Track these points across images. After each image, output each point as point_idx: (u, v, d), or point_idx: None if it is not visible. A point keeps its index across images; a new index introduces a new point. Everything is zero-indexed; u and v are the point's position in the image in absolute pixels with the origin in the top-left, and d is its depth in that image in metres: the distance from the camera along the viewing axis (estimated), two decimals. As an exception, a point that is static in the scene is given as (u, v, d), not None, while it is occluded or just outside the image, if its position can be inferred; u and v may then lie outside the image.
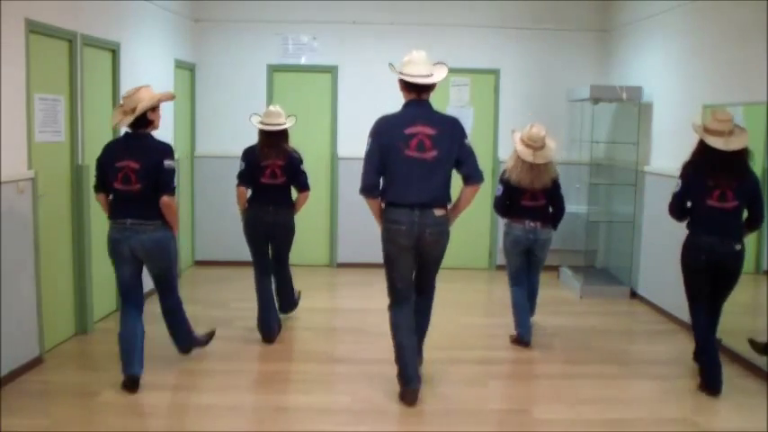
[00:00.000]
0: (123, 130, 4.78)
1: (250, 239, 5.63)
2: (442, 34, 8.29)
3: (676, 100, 6.66)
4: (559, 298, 6.02)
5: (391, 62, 4.56)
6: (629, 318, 6.74)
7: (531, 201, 5.65)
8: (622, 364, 5.39)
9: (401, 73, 4.38)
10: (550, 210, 5.73)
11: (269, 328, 5.61)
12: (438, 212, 4.40)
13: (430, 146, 4.33)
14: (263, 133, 5.57)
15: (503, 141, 8.44)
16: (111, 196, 4.63)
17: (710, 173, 4.66)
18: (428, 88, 4.43)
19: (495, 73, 8.46)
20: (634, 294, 7.37)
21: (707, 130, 4.68)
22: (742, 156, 4.66)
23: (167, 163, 4.51)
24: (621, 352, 5.73)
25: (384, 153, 4.34)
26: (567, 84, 8.24)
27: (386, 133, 4.37)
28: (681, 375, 5.12)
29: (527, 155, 5.55)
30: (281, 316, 5.96)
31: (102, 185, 4.65)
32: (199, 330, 5.31)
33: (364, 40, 8.27)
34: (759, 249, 5.49)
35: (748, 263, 5.64)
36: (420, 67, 4.37)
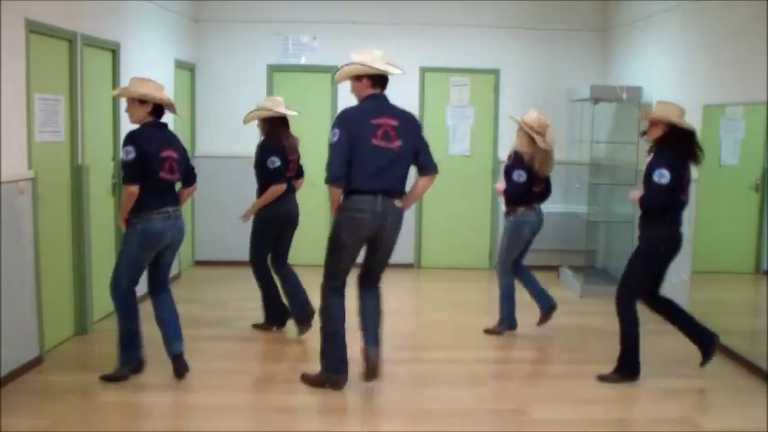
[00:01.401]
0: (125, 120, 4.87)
1: (276, 231, 5.66)
2: (442, 34, 8.29)
3: (676, 100, 6.60)
4: (559, 298, 6.02)
5: (353, 60, 4.53)
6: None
7: (538, 187, 5.74)
8: (622, 364, 5.39)
9: (378, 69, 4.46)
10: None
11: (283, 312, 5.79)
12: (398, 202, 4.51)
13: (395, 136, 4.44)
14: (279, 120, 5.61)
15: (503, 141, 8.44)
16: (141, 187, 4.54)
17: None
18: (387, 83, 4.58)
19: (495, 73, 8.46)
20: (634, 294, 7.36)
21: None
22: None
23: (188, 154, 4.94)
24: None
25: (353, 142, 4.41)
26: (567, 84, 8.24)
27: (354, 123, 4.45)
28: (681, 375, 5.12)
29: (541, 142, 5.61)
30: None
31: (141, 176, 4.52)
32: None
33: (364, 40, 8.21)
34: (759, 249, 5.49)
35: (748, 263, 5.65)
36: (383, 63, 4.50)
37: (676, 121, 4.69)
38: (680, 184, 4.70)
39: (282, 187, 5.58)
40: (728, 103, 5.70)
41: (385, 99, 4.57)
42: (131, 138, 4.55)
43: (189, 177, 4.98)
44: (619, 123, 7.83)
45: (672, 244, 4.85)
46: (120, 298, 4.69)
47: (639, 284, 4.93)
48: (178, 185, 4.85)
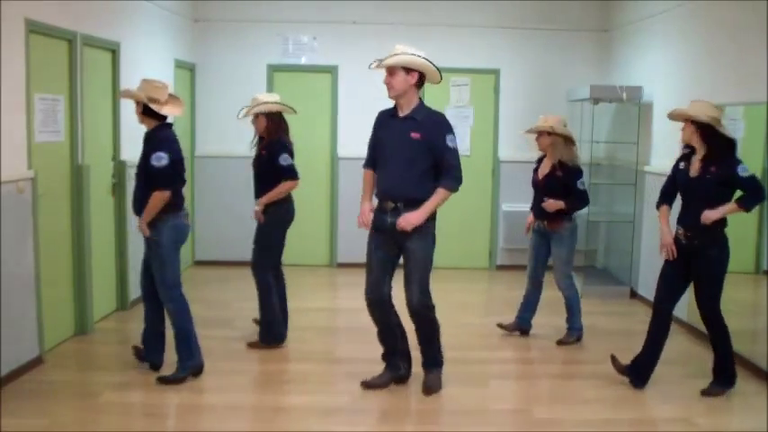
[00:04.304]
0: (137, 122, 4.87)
1: (283, 234, 5.54)
2: (443, 34, 8.29)
3: (676, 100, 6.65)
4: (559, 298, 6.01)
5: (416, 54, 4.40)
6: (629, 318, 6.74)
7: None
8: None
9: (437, 69, 4.39)
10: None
11: (283, 333, 5.59)
12: None
13: None
14: (277, 117, 5.47)
15: (503, 141, 8.45)
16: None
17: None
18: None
19: (495, 73, 8.46)
20: (634, 294, 7.37)
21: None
22: None
23: None
24: (621, 352, 5.72)
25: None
26: (567, 84, 8.23)
27: None
28: (681, 375, 5.12)
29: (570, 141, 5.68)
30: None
31: (175, 180, 4.68)
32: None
33: (364, 40, 8.26)
34: (759, 249, 5.49)
35: (748, 263, 5.65)
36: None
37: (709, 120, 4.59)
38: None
39: (296, 184, 5.44)
40: (728, 103, 5.69)
41: None
42: (161, 143, 4.58)
43: None
44: (619, 123, 7.83)
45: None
46: (173, 298, 4.72)
47: (721, 289, 4.73)
48: None
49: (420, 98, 4.49)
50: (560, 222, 5.62)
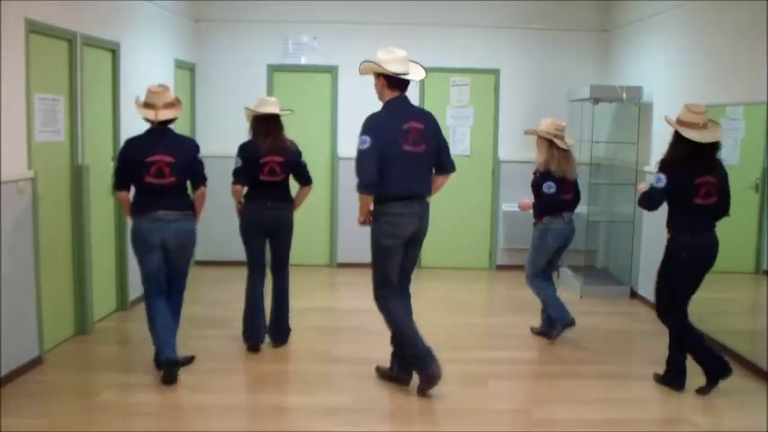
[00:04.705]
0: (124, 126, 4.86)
1: (247, 237, 5.42)
2: (442, 34, 8.29)
3: (676, 100, 6.63)
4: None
5: (367, 59, 4.59)
6: (629, 318, 6.74)
7: (566, 194, 5.70)
8: (622, 364, 5.39)
9: (387, 70, 4.47)
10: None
11: (254, 334, 5.40)
12: (427, 201, 4.66)
13: (422, 140, 4.52)
14: (259, 120, 5.34)
15: (503, 141, 8.45)
16: (132, 191, 4.82)
17: (696, 170, 4.58)
18: (407, 85, 4.61)
19: (495, 73, 8.46)
20: (634, 294, 7.37)
21: (682, 123, 4.62)
22: (716, 149, 4.64)
23: (200, 156, 5.01)
24: (621, 352, 5.73)
25: (384, 149, 4.41)
26: (567, 84, 8.23)
27: (383, 129, 4.45)
28: (681, 375, 5.12)
29: (560, 142, 5.62)
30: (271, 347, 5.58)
31: (127, 182, 4.80)
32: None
33: (364, 40, 8.25)
34: (759, 249, 5.49)
35: (748, 263, 5.65)
36: (405, 65, 4.50)
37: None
38: (682, 190, 4.64)
39: (238, 189, 5.39)
40: (728, 103, 5.70)
41: (408, 101, 4.61)
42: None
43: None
44: (619, 123, 7.83)
45: (691, 252, 4.68)
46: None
47: (679, 295, 4.77)
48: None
49: (389, 99, 4.56)
50: (536, 219, 5.77)
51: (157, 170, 4.68)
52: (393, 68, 4.45)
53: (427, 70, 4.64)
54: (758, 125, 5.33)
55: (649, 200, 4.72)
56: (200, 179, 5.01)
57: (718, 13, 5.97)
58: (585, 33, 8.45)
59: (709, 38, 6.12)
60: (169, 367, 4.66)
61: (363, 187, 4.44)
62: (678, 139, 4.62)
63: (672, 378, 4.80)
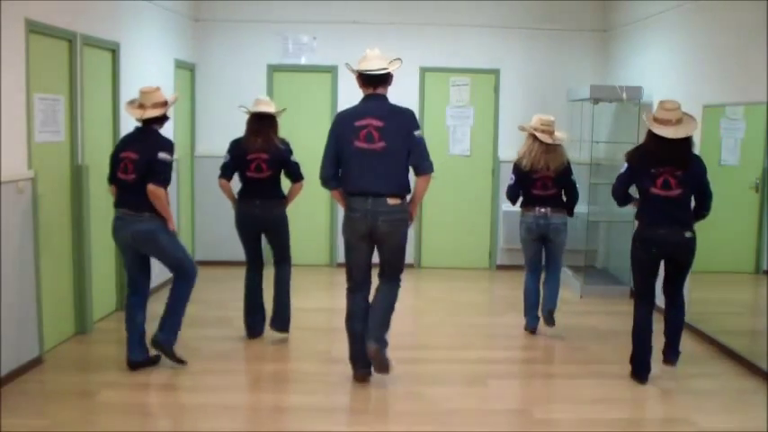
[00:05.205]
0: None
1: (241, 234, 5.61)
2: (443, 34, 8.29)
3: (676, 100, 6.65)
4: (559, 298, 6.02)
5: (347, 62, 4.80)
6: (629, 318, 6.70)
7: (541, 190, 5.71)
8: (622, 364, 5.38)
9: (357, 70, 4.62)
10: (563, 198, 5.82)
11: (251, 327, 5.67)
12: (391, 201, 4.54)
13: (378, 137, 4.53)
14: (251, 119, 5.52)
15: (503, 141, 8.45)
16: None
17: (653, 160, 4.67)
18: (383, 82, 4.63)
19: (495, 73, 8.46)
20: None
21: (655, 120, 4.69)
22: (686, 144, 4.67)
23: (161, 155, 4.71)
24: (621, 352, 5.73)
25: (339, 145, 4.60)
26: (567, 84, 8.24)
27: (339, 126, 4.66)
28: (681, 375, 5.11)
29: (545, 137, 5.64)
30: (277, 334, 5.70)
31: (112, 177, 4.90)
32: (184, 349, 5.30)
33: (364, 40, 8.21)
34: (759, 249, 5.49)
35: (748, 263, 5.65)
36: (374, 62, 4.59)
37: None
38: (639, 179, 4.80)
39: (224, 182, 5.54)
40: (728, 103, 5.70)
41: (379, 99, 4.65)
42: None
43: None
44: (619, 123, 7.82)
45: (644, 245, 4.85)
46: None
47: (637, 288, 5.08)
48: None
49: (366, 95, 4.69)
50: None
51: (124, 166, 4.76)
52: (360, 66, 4.59)
53: (400, 60, 4.65)
54: (758, 125, 5.34)
55: (614, 188, 4.97)
56: (151, 175, 4.66)
57: (718, 12, 5.97)
58: (585, 33, 8.45)
59: (709, 38, 6.12)
60: (128, 365, 4.90)
61: (320, 181, 4.69)
62: (649, 133, 4.76)
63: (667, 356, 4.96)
